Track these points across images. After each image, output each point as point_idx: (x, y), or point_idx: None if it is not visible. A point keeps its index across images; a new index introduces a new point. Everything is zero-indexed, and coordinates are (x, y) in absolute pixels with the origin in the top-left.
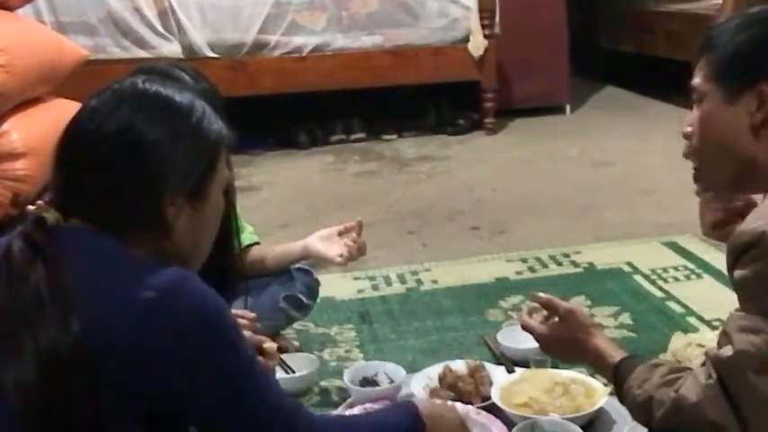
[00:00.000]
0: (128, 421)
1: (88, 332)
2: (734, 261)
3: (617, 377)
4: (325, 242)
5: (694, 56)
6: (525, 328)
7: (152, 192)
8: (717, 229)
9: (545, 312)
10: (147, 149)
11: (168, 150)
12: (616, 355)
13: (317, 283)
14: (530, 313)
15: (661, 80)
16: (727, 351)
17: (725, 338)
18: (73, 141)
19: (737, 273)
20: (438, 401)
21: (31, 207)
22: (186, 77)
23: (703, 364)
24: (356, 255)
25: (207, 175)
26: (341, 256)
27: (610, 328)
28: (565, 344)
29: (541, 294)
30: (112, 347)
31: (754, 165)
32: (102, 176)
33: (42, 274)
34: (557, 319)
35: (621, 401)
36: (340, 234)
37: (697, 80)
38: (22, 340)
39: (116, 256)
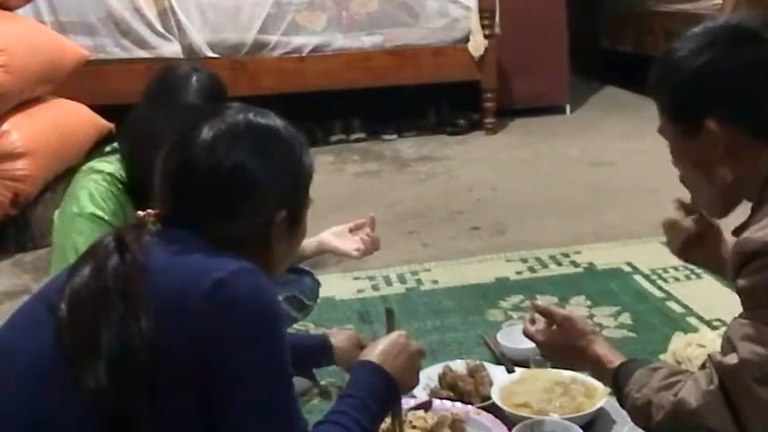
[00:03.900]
0: (183, 404)
1: (158, 319)
2: (739, 268)
3: (616, 382)
4: (339, 238)
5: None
6: (527, 335)
7: (260, 219)
8: (684, 251)
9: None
10: (261, 184)
11: (278, 183)
12: (615, 359)
13: (318, 284)
14: (532, 320)
15: None
16: (732, 359)
17: (729, 345)
18: (189, 170)
19: (742, 280)
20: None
21: (140, 213)
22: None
23: (703, 366)
24: (371, 249)
25: (303, 202)
26: (357, 250)
27: (610, 329)
28: (565, 351)
29: (539, 302)
30: (177, 325)
31: (735, 185)
32: (216, 205)
33: (125, 271)
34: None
35: (622, 406)
36: (351, 231)
37: (659, 118)
38: (98, 336)
39: (193, 246)
